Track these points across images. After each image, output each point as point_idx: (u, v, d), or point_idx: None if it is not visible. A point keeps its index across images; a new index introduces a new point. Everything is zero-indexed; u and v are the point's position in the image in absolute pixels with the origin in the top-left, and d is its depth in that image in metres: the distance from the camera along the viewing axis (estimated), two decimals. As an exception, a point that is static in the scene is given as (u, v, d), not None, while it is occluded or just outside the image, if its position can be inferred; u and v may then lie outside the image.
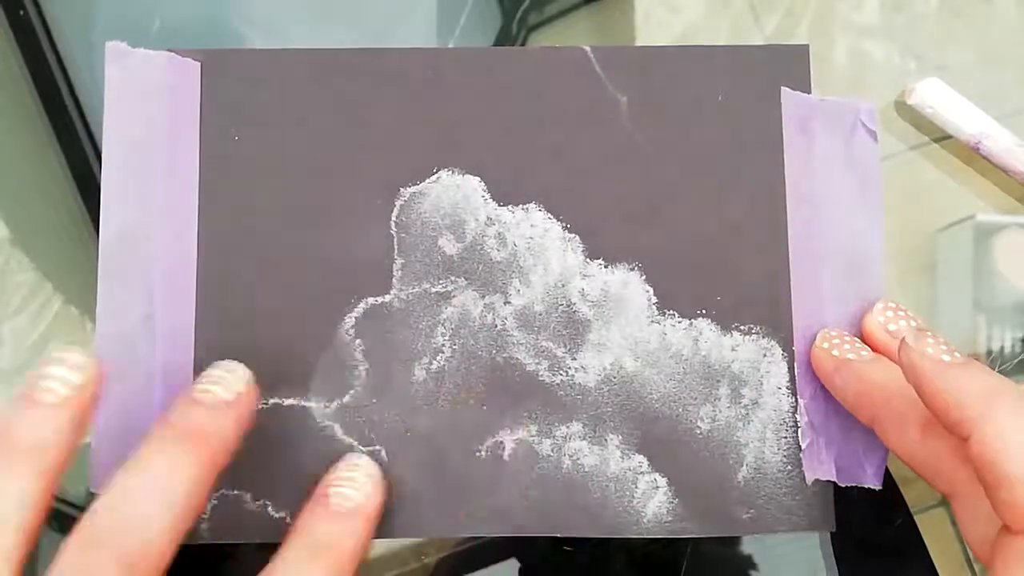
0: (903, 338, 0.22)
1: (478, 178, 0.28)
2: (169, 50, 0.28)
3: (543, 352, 0.27)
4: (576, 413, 0.27)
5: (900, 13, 0.31)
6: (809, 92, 0.28)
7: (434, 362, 0.27)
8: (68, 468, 0.22)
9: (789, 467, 0.27)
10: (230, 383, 0.23)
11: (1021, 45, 0.31)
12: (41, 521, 0.21)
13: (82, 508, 0.29)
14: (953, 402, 0.21)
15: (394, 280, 0.27)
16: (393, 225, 0.28)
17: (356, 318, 0.27)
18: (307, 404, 0.27)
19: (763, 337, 0.27)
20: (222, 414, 0.23)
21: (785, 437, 0.27)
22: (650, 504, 0.27)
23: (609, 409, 0.27)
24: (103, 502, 0.21)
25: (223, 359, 0.27)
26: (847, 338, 0.26)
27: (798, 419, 0.27)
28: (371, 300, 0.27)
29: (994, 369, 0.30)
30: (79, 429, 0.22)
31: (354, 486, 0.25)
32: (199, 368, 0.27)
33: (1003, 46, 0.31)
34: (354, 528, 0.24)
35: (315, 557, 0.22)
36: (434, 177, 0.28)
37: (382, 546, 0.30)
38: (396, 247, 0.28)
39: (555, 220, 0.28)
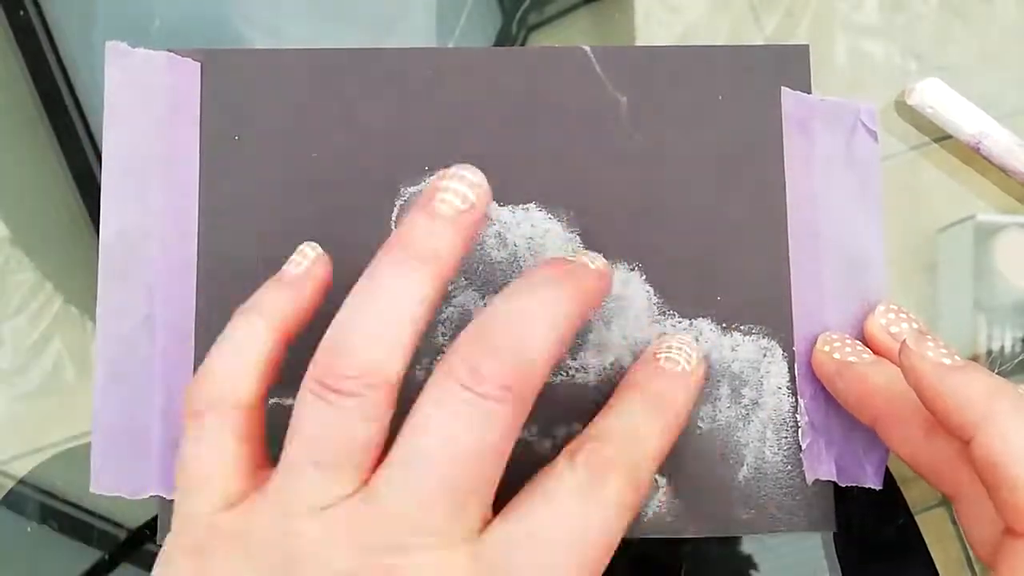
0: (903, 341, 0.22)
1: (478, 178, 0.28)
2: (169, 50, 0.28)
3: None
4: (577, 413, 0.27)
5: (900, 13, 0.31)
6: (809, 92, 0.28)
7: (434, 362, 0.27)
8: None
9: (789, 467, 0.27)
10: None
11: (1021, 45, 0.31)
12: (430, 322, 0.22)
13: (83, 509, 0.29)
14: (954, 405, 0.21)
15: (394, 280, 0.27)
16: (393, 225, 0.28)
17: (356, 318, 0.27)
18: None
19: (763, 337, 0.27)
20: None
21: (785, 437, 0.27)
22: (650, 504, 0.27)
23: (609, 409, 0.27)
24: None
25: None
26: (848, 341, 0.26)
27: (798, 419, 0.27)
28: (371, 300, 0.27)
29: (994, 369, 0.30)
30: (468, 244, 0.22)
31: (682, 354, 0.25)
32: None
33: (1003, 46, 0.31)
34: (687, 384, 0.25)
35: (655, 409, 0.23)
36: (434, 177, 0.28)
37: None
38: (396, 247, 0.28)
39: (555, 220, 0.28)
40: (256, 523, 0.20)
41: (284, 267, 0.24)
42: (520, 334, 0.20)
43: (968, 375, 0.21)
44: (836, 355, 0.26)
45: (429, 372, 0.27)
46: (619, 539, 0.21)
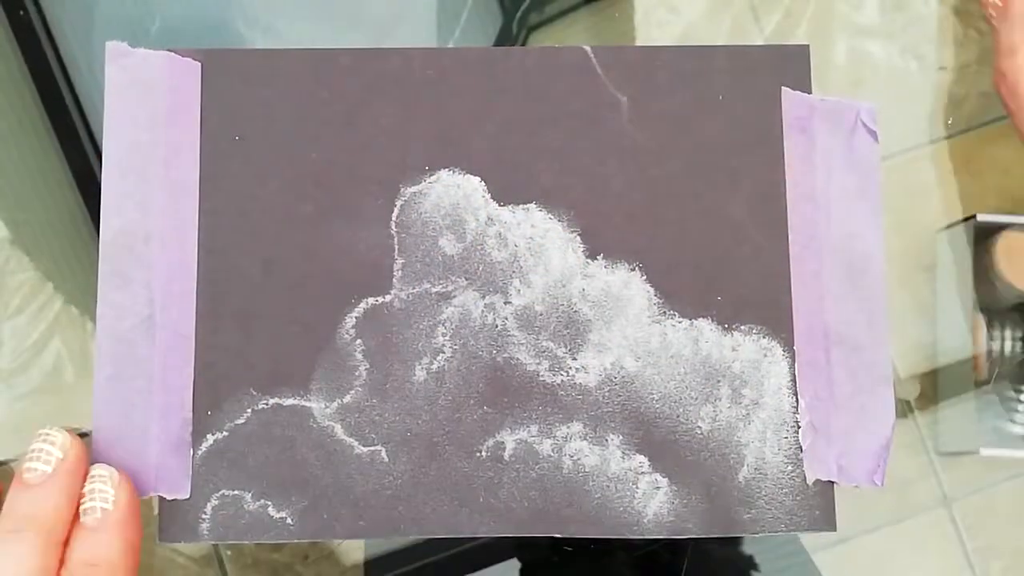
0: None
1: (479, 178, 0.28)
2: (169, 50, 0.28)
3: (544, 352, 0.27)
4: (577, 413, 0.27)
5: (900, 13, 0.31)
6: (809, 92, 0.28)
7: (435, 362, 0.27)
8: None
9: (790, 467, 0.27)
10: (49, 453, 0.24)
11: (1021, 45, 0.31)
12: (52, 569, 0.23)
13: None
14: None
15: (394, 280, 0.27)
16: (394, 225, 0.28)
17: (356, 318, 0.27)
18: (307, 404, 0.27)
19: (764, 337, 0.27)
20: (49, 489, 0.23)
21: (786, 437, 0.27)
22: (651, 504, 0.27)
23: (610, 409, 0.27)
24: None
25: (222, 359, 0.27)
26: None
27: (799, 419, 0.27)
28: (371, 300, 0.27)
29: (994, 369, 0.30)
30: (72, 498, 0.24)
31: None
32: (199, 368, 0.27)
33: (1003, 46, 0.31)
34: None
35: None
36: (435, 177, 0.28)
37: (382, 546, 0.30)
38: (396, 247, 0.28)
39: (556, 220, 0.28)
40: None
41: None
42: None
43: None
44: None
45: (429, 372, 0.27)
46: None
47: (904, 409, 0.30)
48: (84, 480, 0.24)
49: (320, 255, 0.27)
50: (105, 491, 0.24)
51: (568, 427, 0.27)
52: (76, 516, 0.24)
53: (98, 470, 0.25)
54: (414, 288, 0.27)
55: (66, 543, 0.23)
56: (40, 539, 0.22)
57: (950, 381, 0.31)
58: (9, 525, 0.23)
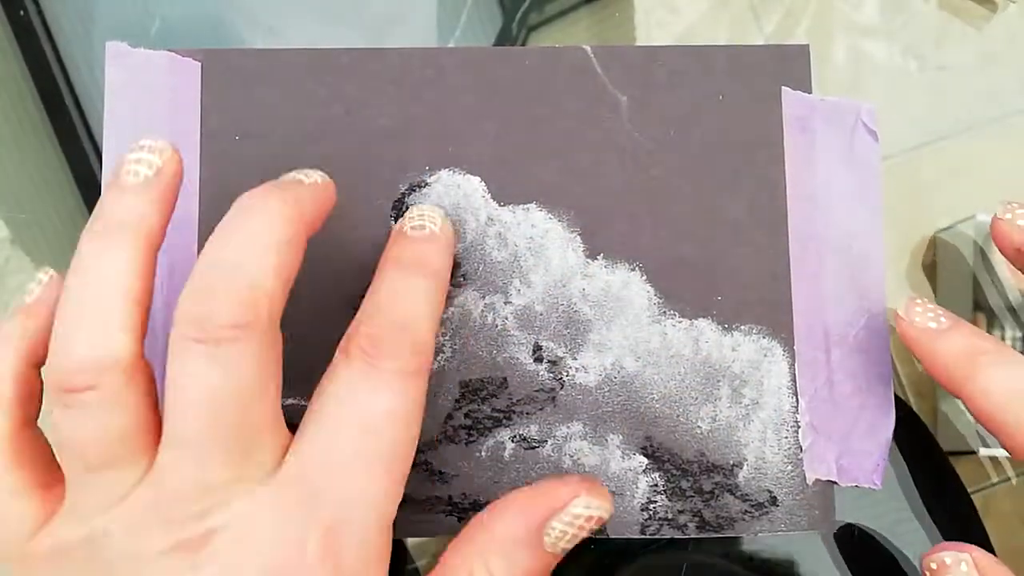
0: (896, 310, 0.24)
1: (478, 178, 0.28)
2: (169, 50, 0.28)
3: (543, 352, 0.27)
4: (577, 413, 0.27)
5: (900, 13, 0.31)
6: (810, 92, 0.28)
7: (434, 362, 0.27)
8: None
9: (790, 467, 0.27)
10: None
11: (1021, 45, 0.31)
12: (150, 290, 0.21)
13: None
14: (942, 368, 0.23)
15: (394, 280, 0.27)
16: (392, 225, 0.28)
17: (356, 318, 0.27)
18: (307, 404, 0.27)
19: (764, 337, 0.27)
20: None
21: (786, 437, 0.27)
22: (651, 504, 0.27)
23: (610, 409, 0.27)
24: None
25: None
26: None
27: (799, 419, 0.27)
28: (371, 300, 0.27)
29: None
30: (168, 206, 0.22)
31: (427, 220, 0.24)
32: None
33: (1003, 46, 0.31)
34: (438, 245, 0.24)
35: (413, 274, 0.23)
36: (435, 177, 0.28)
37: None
38: (396, 247, 0.28)
39: (556, 220, 0.28)
40: (64, 539, 0.20)
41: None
42: (237, 272, 0.20)
43: (950, 338, 0.23)
44: (1020, 222, 0.24)
45: (430, 372, 0.27)
46: (420, 405, 0.21)
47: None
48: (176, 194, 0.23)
49: (320, 256, 0.27)
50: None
51: (568, 427, 0.27)
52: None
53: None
54: (414, 288, 0.27)
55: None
56: (137, 247, 0.21)
57: (950, 381, 0.30)
58: (98, 227, 0.21)
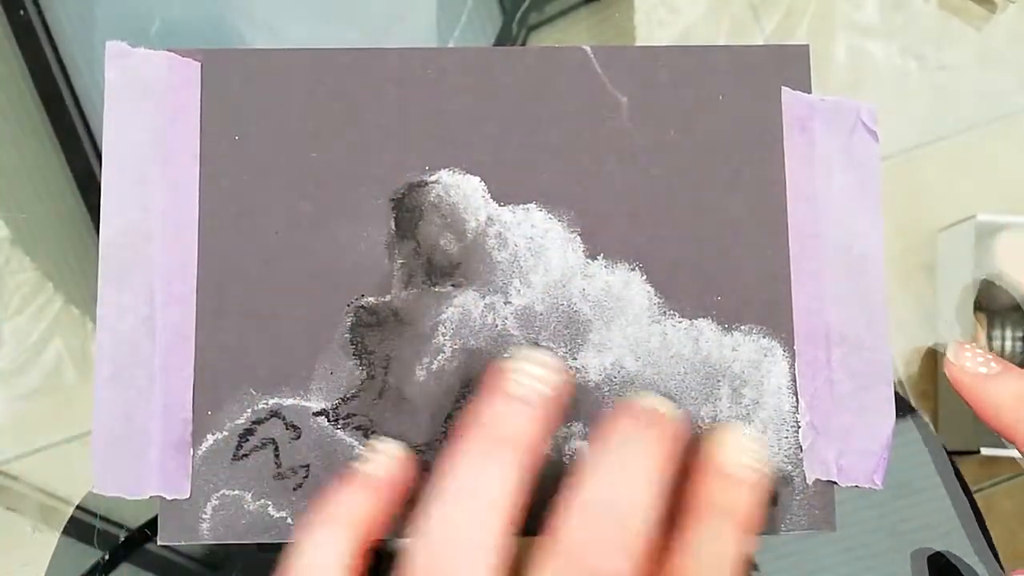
0: (945, 355, 0.24)
1: (478, 178, 0.28)
2: (169, 50, 0.28)
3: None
4: (577, 413, 0.27)
5: (900, 13, 0.31)
6: (809, 92, 0.28)
7: (435, 362, 0.27)
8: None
9: (789, 467, 0.27)
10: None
11: (1021, 45, 0.31)
12: (519, 507, 0.21)
13: (83, 509, 0.29)
14: (992, 413, 0.23)
15: (394, 280, 0.27)
16: (393, 225, 0.28)
17: (356, 318, 0.27)
18: (307, 404, 0.27)
19: (764, 337, 0.27)
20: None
21: (786, 437, 0.27)
22: (651, 504, 0.27)
23: (610, 409, 0.27)
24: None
25: (222, 359, 0.27)
26: (977, 351, 0.25)
27: (799, 419, 0.27)
28: (371, 300, 0.27)
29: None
30: (551, 429, 0.22)
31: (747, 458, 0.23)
32: (199, 368, 0.27)
33: (1003, 46, 0.31)
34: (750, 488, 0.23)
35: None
36: (434, 177, 0.28)
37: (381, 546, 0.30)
38: (396, 247, 0.28)
39: (556, 220, 0.28)
40: None
41: (361, 466, 0.23)
42: (624, 524, 0.20)
43: (1000, 383, 0.23)
44: (968, 364, 0.25)
45: (430, 372, 0.27)
46: None
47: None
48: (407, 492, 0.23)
49: (320, 255, 0.28)
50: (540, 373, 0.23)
51: (568, 427, 0.27)
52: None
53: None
54: (414, 288, 0.27)
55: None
56: (525, 459, 0.21)
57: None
58: (323, 518, 0.21)
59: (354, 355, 0.27)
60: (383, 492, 0.23)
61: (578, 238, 0.28)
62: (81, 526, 0.29)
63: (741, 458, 0.23)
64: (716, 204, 0.28)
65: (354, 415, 0.27)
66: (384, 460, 0.23)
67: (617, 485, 0.20)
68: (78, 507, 0.29)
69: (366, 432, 0.27)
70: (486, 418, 0.21)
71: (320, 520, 0.22)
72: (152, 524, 0.28)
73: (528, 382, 0.21)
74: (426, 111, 0.28)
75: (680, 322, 0.27)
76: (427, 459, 0.27)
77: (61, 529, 0.29)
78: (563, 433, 0.27)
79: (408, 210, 0.28)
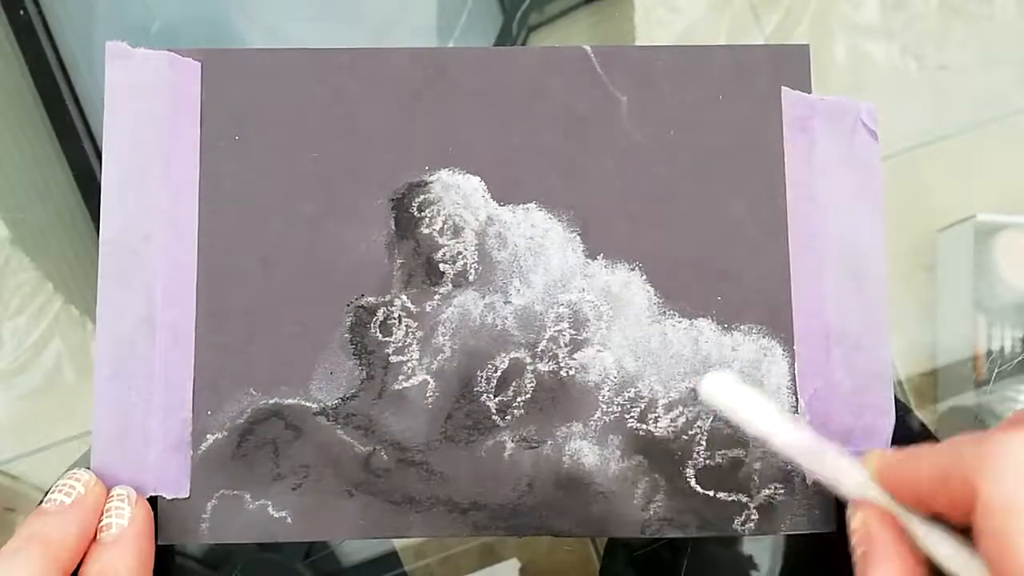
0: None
1: (478, 178, 0.28)
2: (169, 50, 0.28)
3: (544, 352, 0.27)
4: (577, 413, 0.27)
5: (900, 13, 0.31)
6: (809, 92, 0.28)
7: (434, 362, 0.27)
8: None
9: (789, 467, 0.27)
10: (71, 488, 0.25)
11: (1021, 45, 0.31)
12: None
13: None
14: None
15: (394, 280, 0.27)
16: (393, 225, 0.28)
17: (356, 318, 0.27)
18: (307, 404, 0.27)
19: (763, 337, 0.27)
20: (63, 517, 0.24)
21: (785, 437, 0.27)
22: (651, 504, 0.27)
23: (610, 409, 0.27)
24: None
25: (222, 359, 0.27)
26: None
27: (799, 419, 0.27)
28: (371, 300, 0.27)
29: (994, 369, 0.30)
30: (85, 531, 0.24)
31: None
32: (199, 368, 0.27)
33: (1003, 46, 0.31)
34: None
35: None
36: (435, 177, 0.28)
37: (383, 546, 0.30)
38: (396, 247, 0.28)
39: (555, 220, 0.28)
40: None
41: (52, 495, 0.25)
42: None
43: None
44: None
45: (429, 372, 0.27)
46: None
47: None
48: (100, 517, 0.25)
49: (320, 255, 0.28)
50: (122, 508, 0.25)
51: (568, 427, 0.27)
52: (92, 542, 0.24)
53: (117, 491, 0.25)
54: (413, 288, 0.27)
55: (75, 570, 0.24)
56: (43, 559, 0.23)
57: (950, 381, 0.31)
58: (14, 544, 0.23)
59: (354, 355, 0.27)
60: (72, 516, 0.24)
61: (578, 238, 0.28)
62: (81, 526, 0.29)
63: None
64: (716, 204, 0.28)
65: (354, 415, 0.27)
66: (73, 486, 0.25)
67: None
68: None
69: (366, 432, 0.27)
70: (17, 530, 0.23)
71: (12, 547, 0.23)
72: (152, 524, 0.28)
73: (54, 495, 0.24)
74: (426, 111, 0.28)
75: (680, 322, 0.27)
76: (426, 459, 0.27)
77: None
78: (563, 433, 0.27)
79: (408, 210, 0.28)
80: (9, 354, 0.30)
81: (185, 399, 0.27)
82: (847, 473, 0.24)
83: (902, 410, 0.28)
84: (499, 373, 0.27)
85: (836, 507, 0.27)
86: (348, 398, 0.27)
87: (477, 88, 0.28)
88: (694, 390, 0.27)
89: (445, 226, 0.28)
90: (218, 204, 0.28)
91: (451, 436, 0.27)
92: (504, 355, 0.27)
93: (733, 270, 0.28)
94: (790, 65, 0.28)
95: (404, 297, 0.27)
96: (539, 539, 0.28)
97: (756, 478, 0.27)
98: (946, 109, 0.31)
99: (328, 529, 0.27)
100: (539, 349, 0.27)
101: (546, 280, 0.28)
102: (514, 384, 0.27)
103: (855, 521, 0.23)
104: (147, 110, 0.28)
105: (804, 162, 0.28)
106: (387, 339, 0.27)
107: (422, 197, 0.28)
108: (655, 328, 0.28)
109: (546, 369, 0.27)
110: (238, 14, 0.31)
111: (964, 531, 0.21)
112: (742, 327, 0.27)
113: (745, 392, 0.25)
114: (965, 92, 0.30)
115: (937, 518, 0.22)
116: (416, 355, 0.27)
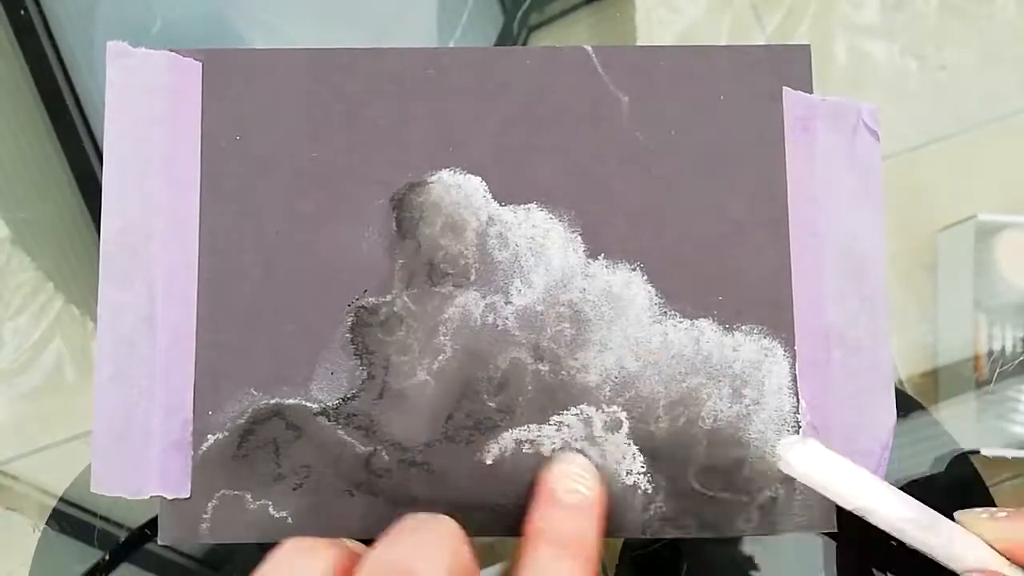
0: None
1: (479, 178, 0.28)
2: (170, 50, 0.28)
3: (544, 352, 0.27)
4: (577, 413, 0.27)
5: (900, 13, 0.31)
6: (810, 92, 0.28)
7: (435, 363, 0.27)
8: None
9: (790, 467, 0.27)
10: (586, 479, 0.24)
11: (1021, 45, 0.31)
12: None
13: (83, 509, 0.29)
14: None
15: (395, 280, 0.27)
16: (394, 225, 0.28)
17: (357, 318, 0.27)
18: (308, 404, 0.27)
19: (765, 337, 0.27)
20: (591, 515, 0.23)
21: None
22: (651, 504, 0.27)
23: (610, 409, 0.27)
24: None
25: (223, 359, 0.27)
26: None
27: (799, 419, 0.27)
28: (372, 300, 0.27)
29: (995, 369, 0.30)
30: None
31: (584, 482, 0.25)
32: (199, 368, 0.27)
33: (1003, 46, 0.31)
34: (591, 516, 0.24)
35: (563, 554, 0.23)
36: (435, 177, 0.28)
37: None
38: (397, 247, 0.28)
39: (556, 220, 0.28)
40: None
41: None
42: None
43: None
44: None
45: (430, 372, 0.27)
46: None
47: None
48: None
49: (321, 255, 0.27)
50: (587, 478, 0.25)
51: (569, 427, 0.27)
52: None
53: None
54: (414, 288, 0.27)
55: None
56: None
57: (950, 381, 0.31)
58: (555, 550, 0.22)
59: (355, 355, 0.27)
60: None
61: (579, 238, 0.28)
62: (81, 526, 0.29)
63: (565, 483, 0.25)
64: (717, 204, 0.28)
65: (355, 415, 0.27)
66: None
67: None
68: (78, 507, 0.29)
69: (367, 432, 0.27)
70: (546, 525, 0.23)
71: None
72: (152, 524, 0.28)
73: (577, 486, 0.24)
74: (427, 111, 0.28)
75: (681, 322, 0.27)
76: (427, 459, 0.27)
77: (60, 529, 0.29)
78: (564, 433, 0.27)
79: (409, 210, 0.28)
80: (10, 354, 0.30)
81: (186, 399, 0.27)
82: (966, 545, 0.23)
83: (906, 408, 0.28)
84: (500, 373, 0.27)
85: (836, 507, 0.27)
86: (349, 398, 0.27)
87: (478, 88, 0.28)
88: (781, 459, 0.26)
89: (446, 226, 0.28)
90: (219, 204, 0.28)
91: (452, 436, 0.27)
92: (505, 355, 0.27)
93: (734, 270, 0.28)
94: (791, 65, 0.28)
95: (405, 297, 0.27)
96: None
97: (757, 478, 0.27)
98: (946, 109, 0.31)
99: (329, 529, 0.27)
100: (540, 349, 0.27)
101: (547, 280, 0.28)
102: (515, 384, 0.27)
103: None
104: (148, 110, 0.28)
105: (805, 162, 0.28)
106: (388, 339, 0.27)
107: (423, 197, 0.28)
108: (656, 328, 0.28)
109: (547, 369, 0.27)
110: (238, 14, 0.31)
111: None
112: (743, 327, 0.28)
113: (838, 462, 0.24)
114: (965, 92, 0.30)
115: None
116: (417, 355, 0.27)
